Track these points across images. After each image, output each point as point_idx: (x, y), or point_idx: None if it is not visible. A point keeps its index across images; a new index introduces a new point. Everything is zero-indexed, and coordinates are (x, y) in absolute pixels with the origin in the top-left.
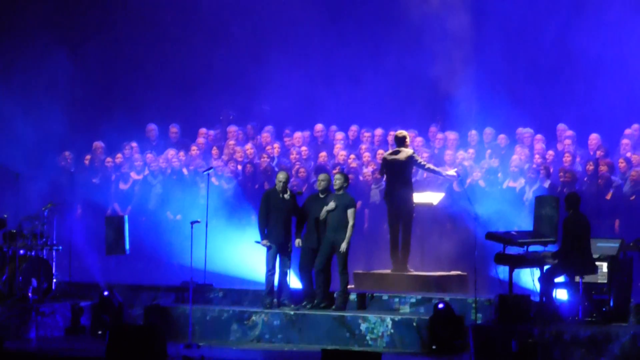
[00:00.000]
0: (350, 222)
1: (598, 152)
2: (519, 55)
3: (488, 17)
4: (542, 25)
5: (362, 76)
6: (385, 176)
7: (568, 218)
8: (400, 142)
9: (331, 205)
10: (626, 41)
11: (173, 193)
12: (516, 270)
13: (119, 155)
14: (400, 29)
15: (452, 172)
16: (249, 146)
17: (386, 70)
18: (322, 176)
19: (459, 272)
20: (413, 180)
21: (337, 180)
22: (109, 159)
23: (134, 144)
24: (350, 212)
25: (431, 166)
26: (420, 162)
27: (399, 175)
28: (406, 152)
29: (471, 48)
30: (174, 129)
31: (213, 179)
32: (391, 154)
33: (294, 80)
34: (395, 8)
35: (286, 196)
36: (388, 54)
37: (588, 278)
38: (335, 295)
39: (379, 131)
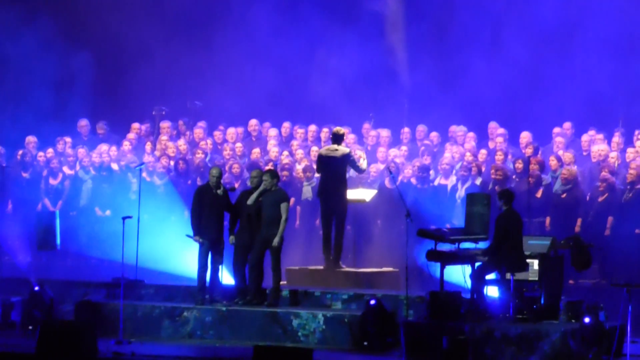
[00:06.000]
0: (283, 217)
1: (527, 151)
2: (451, 53)
3: (423, 15)
4: (476, 24)
5: (295, 72)
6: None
7: (501, 214)
8: (339, 139)
9: (253, 196)
10: (557, 41)
11: (104, 189)
12: (447, 267)
13: (50, 150)
14: (335, 24)
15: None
16: (181, 142)
17: (320, 66)
18: (254, 173)
19: (390, 269)
20: (347, 177)
21: (265, 181)
22: (40, 154)
23: (68, 139)
24: (283, 207)
25: (362, 167)
26: (354, 162)
27: (334, 172)
28: (342, 150)
29: (404, 46)
30: (101, 126)
31: (144, 175)
32: (327, 150)
33: (227, 76)
34: (333, 4)
35: (219, 192)
36: (321, 51)
37: (519, 275)
38: (267, 291)
39: (312, 127)
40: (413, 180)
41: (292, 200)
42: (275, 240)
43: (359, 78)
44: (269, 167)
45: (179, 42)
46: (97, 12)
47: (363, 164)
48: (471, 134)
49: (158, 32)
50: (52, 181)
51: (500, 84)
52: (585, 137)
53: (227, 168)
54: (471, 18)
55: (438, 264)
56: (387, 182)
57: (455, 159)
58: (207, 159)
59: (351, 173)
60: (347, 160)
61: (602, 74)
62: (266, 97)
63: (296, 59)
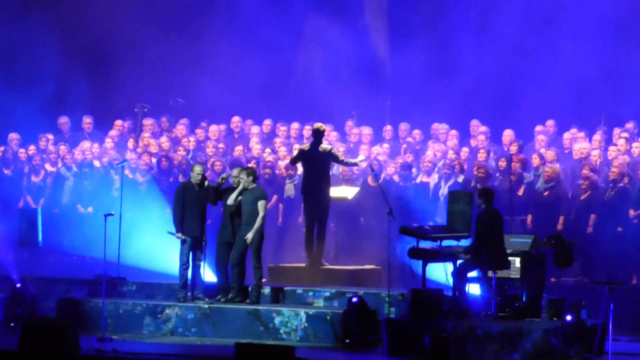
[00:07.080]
0: (261, 214)
1: (512, 148)
2: (434, 51)
3: (406, 12)
4: (458, 21)
5: (280, 68)
6: (299, 168)
7: (481, 213)
8: (320, 135)
9: (232, 196)
10: (540, 38)
11: (85, 186)
12: (429, 265)
13: (32, 147)
14: (320, 17)
15: (360, 158)
16: (164, 139)
17: (303, 64)
18: (234, 172)
19: (373, 266)
20: (329, 174)
21: (242, 180)
22: (21, 151)
23: (50, 136)
24: (260, 204)
25: (346, 159)
26: (337, 156)
27: (316, 169)
28: (324, 146)
29: (388, 43)
30: (87, 120)
31: (127, 172)
32: (309, 147)
33: (210, 72)
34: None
35: (202, 189)
36: (305, 48)
37: (501, 273)
38: (249, 289)
39: (295, 125)
40: (395, 178)
41: (275, 197)
42: (249, 236)
43: (343, 74)
44: (251, 165)
45: (164, 40)
46: (83, 10)
47: (353, 159)
48: (453, 132)
49: (143, 29)
50: (34, 178)
51: (482, 82)
52: (567, 135)
53: (209, 165)
54: (455, 12)
55: (420, 262)
56: (369, 180)
57: (438, 157)
58: (190, 156)
59: (334, 170)
60: (330, 156)
61: (583, 73)
62: (250, 93)
63: (281, 55)
